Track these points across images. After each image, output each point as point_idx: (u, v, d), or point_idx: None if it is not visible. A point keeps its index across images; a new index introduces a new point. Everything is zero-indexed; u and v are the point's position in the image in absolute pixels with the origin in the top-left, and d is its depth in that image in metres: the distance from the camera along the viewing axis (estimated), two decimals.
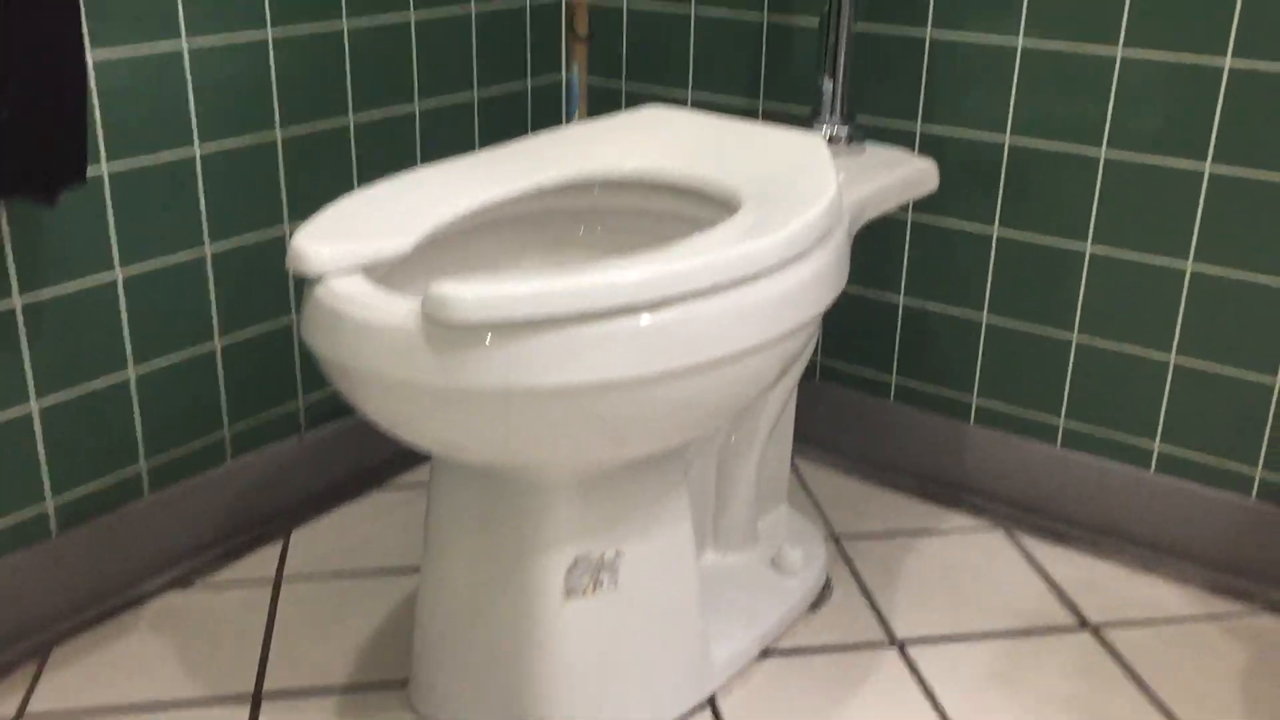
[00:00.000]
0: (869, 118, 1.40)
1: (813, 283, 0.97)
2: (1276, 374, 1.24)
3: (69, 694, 1.12)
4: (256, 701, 1.11)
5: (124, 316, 1.18)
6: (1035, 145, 1.31)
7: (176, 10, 1.15)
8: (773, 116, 1.47)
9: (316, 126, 1.31)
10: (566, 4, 1.57)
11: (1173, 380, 1.30)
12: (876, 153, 1.29)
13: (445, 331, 0.83)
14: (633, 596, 1.03)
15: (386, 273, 0.97)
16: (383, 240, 0.93)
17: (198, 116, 1.20)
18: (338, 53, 1.31)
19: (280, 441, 1.37)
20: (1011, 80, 1.30)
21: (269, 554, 1.34)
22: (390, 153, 1.40)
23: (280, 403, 1.36)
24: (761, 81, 1.47)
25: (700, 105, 1.52)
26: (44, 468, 1.15)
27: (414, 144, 1.42)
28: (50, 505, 1.17)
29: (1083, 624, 1.26)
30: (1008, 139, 1.32)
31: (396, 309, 0.84)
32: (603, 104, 1.60)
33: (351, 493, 1.46)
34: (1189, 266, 1.26)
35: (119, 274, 1.17)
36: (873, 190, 1.18)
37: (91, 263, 1.14)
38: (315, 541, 1.37)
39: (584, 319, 0.84)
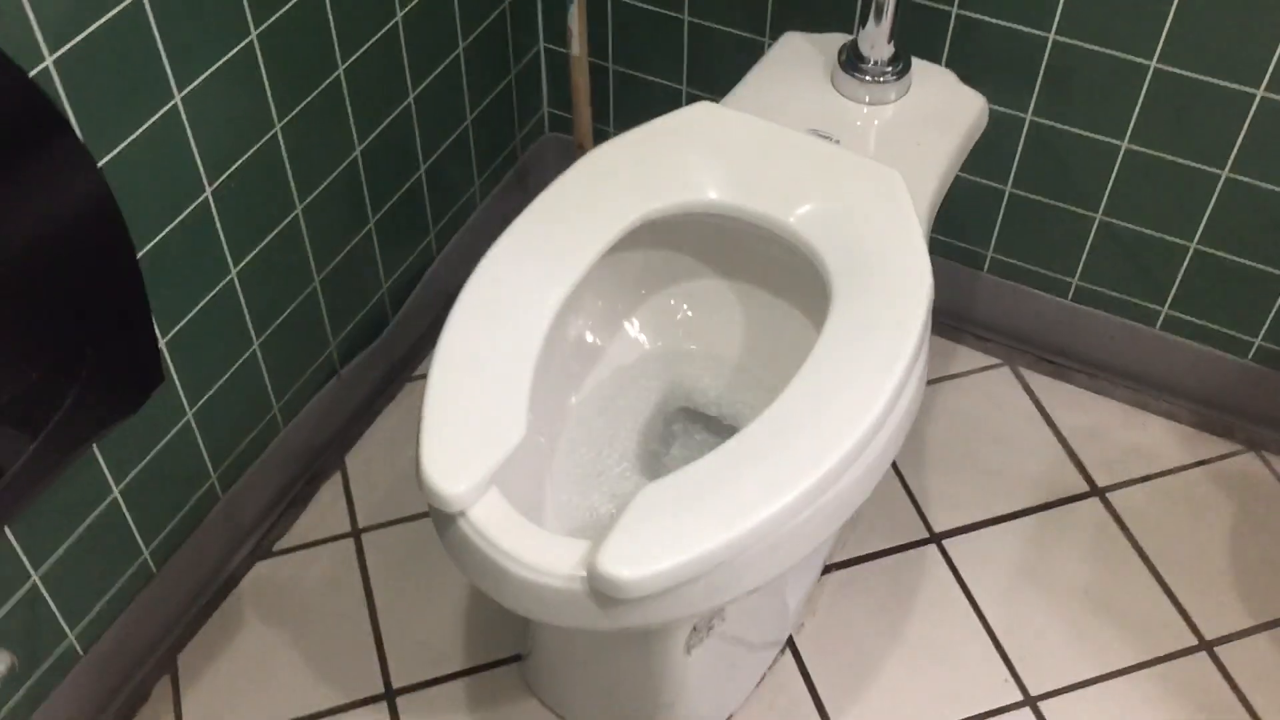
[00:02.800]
0: None
1: (910, 406, 0.99)
2: None
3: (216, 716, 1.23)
4: (392, 702, 1.24)
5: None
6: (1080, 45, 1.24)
7: None
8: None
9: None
10: None
11: (1190, 260, 1.35)
12: (924, 90, 1.21)
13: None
14: (736, 623, 1.14)
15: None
16: (498, 436, 0.91)
17: None
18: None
19: (321, 390, 1.37)
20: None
21: (333, 493, 1.40)
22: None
23: (316, 356, 1.34)
24: None
25: None
26: (135, 533, 1.17)
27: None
28: (146, 554, 1.20)
29: (1091, 488, 1.41)
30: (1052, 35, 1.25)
31: (559, 570, 0.86)
32: None
33: (389, 394, 1.49)
34: (1225, 172, 1.27)
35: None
36: (943, 176, 1.14)
37: None
38: (371, 466, 1.42)
39: (726, 563, 0.87)
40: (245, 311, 1.20)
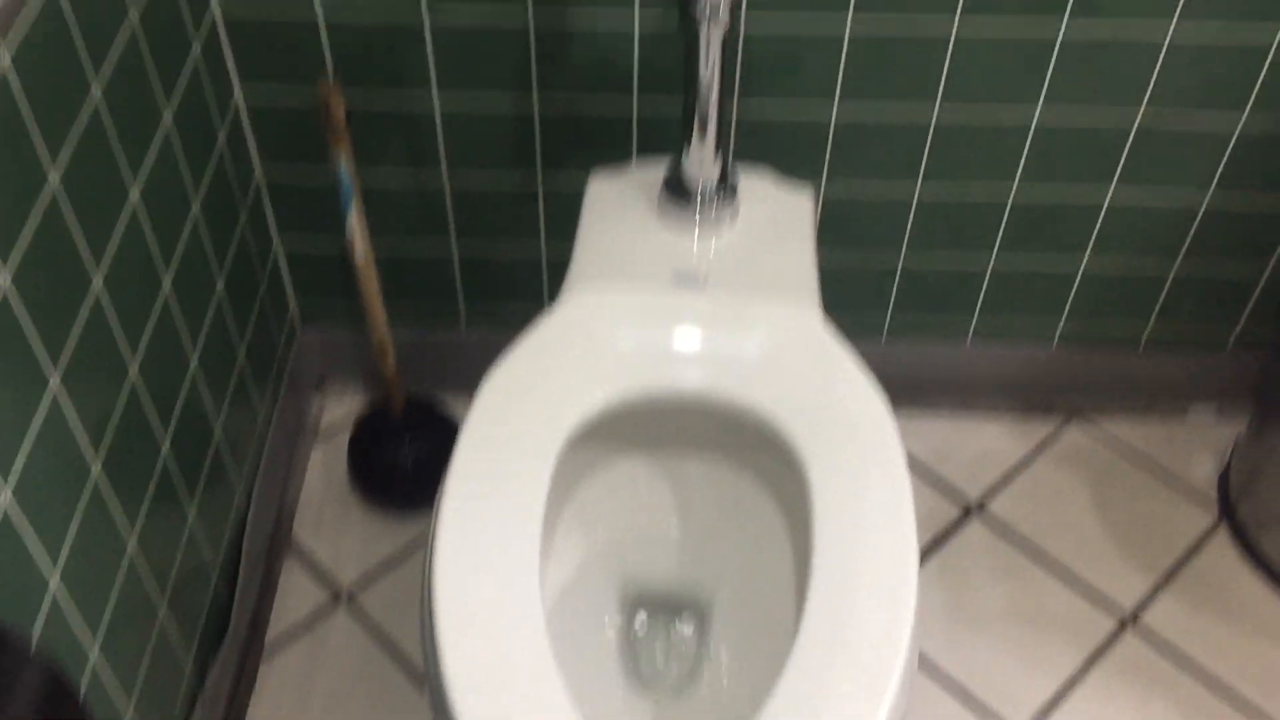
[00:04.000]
0: None
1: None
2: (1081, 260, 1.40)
3: None
4: None
5: None
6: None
7: None
8: (563, 124, 1.26)
9: None
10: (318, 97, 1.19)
11: (989, 278, 1.42)
12: (753, 200, 1.16)
13: None
14: None
15: None
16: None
17: None
18: None
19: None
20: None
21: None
22: None
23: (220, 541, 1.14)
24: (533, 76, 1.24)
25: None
26: None
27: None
28: None
29: (966, 511, 1.46)
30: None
31: None
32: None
33: (246, 687, 1.29)
34: (1014, 188, 1.33)
35: None
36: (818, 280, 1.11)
37: None
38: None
39: None
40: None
